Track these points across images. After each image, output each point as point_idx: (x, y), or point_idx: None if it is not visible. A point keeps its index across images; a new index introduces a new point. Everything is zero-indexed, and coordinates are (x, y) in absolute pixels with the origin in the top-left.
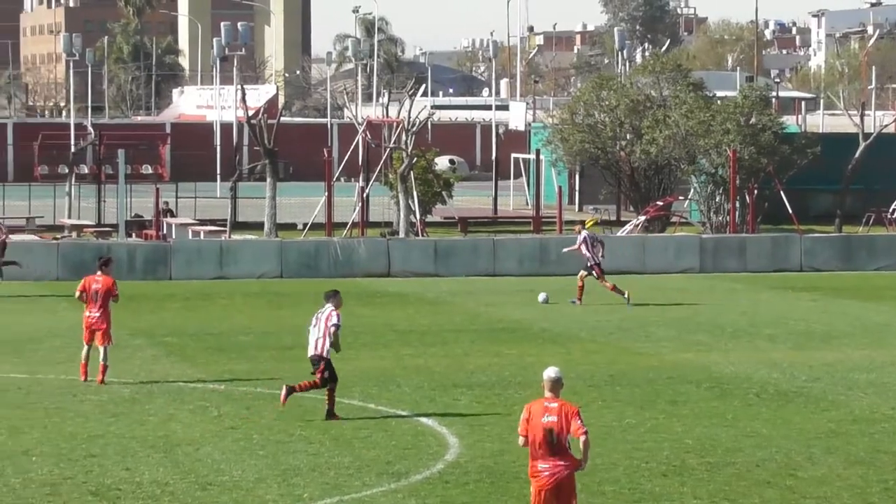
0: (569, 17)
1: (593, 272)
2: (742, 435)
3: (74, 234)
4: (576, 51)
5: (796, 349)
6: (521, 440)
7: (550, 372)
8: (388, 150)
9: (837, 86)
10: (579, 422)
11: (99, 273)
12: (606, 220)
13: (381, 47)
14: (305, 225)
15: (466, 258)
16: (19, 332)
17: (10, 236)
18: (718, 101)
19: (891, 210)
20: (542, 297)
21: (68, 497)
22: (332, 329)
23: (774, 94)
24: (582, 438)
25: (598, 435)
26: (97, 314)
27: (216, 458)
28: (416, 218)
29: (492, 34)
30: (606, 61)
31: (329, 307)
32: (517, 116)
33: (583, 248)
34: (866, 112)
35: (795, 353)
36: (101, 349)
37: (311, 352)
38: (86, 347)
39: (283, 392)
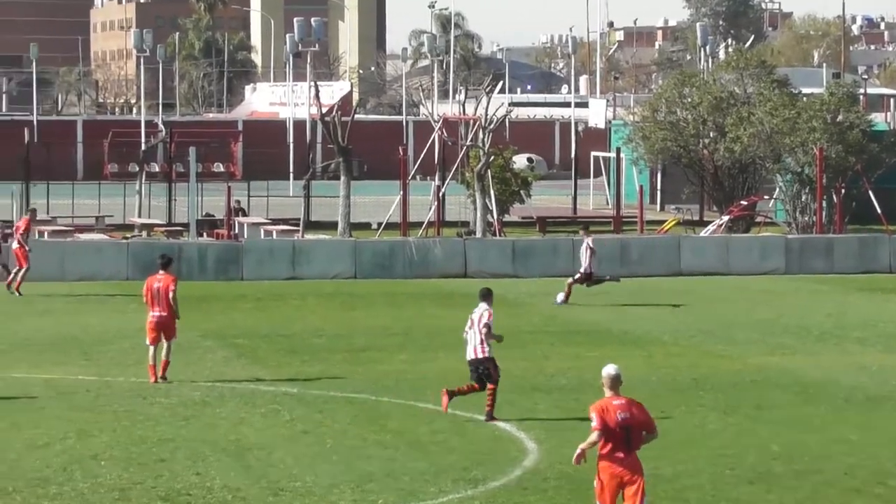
0: (650, 12)
1: (578, 276)
2: (830, 441)
3: (145, 234)
4: (657, 46)
5: (886, 352)
6: (595, 434)
7: (610, 369)
8: (464, 148)
9: None
10: (651, 417)
11: (161, 272)
12: (689, 221)
13: (458, 43)
14: (380, 224)
15: (545, 258)
16: (88, 333)
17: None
18: (804, 99)
19: None
20: (559, 298)
21: (138, 502)
22: (485, 331)
23: (862, 90)
24: (654, 434)
25: (681, 441)
26: (164, 314)
27: (288, 463)
28: (493, 217)
29: (571, 30)
30: (689, 57)
31: (483, 307)
32: (597, 114)
33: (588, 253)
34: None
35: (885, 357)
36: (166, 345)
37: (469, 355)
38: (151, 349)
39: (445, 399)
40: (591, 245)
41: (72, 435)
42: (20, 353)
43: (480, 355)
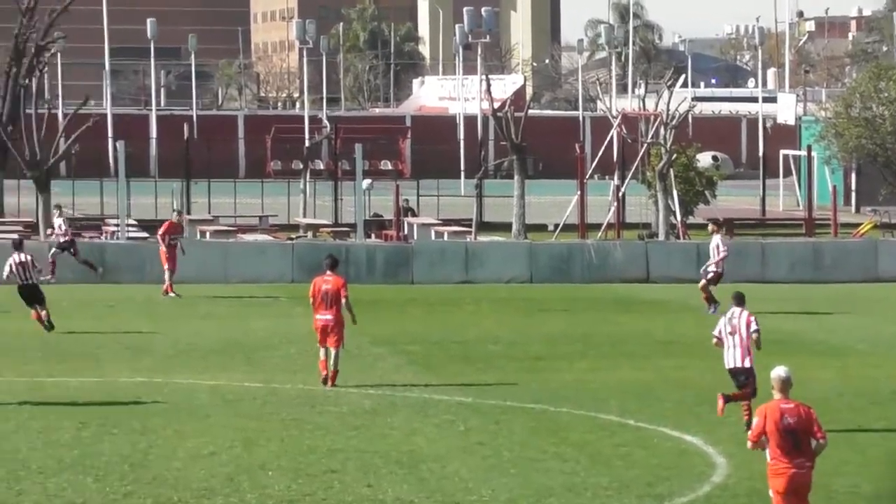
0: (842, 1)
1: (710, 276)
2: None
3: (310, 234)
4: (850, 38)
5: None
6: (749, 444)
7: (780, 371)
8: (645, 145)
9: None
10: (820, 425)
11: (328, 273)
12: (887, 224)
13: (637, 34)
14: (557, 226)
15: (732, 263)
16: (252, 337)
17: (77, 237)
18: None
19: None
20: (365, 183)
21: None
22: (755, 336)
23: None
24: (822, 442)
25: (881, 457)
26: (329, 316)
27: (464, 476)
28: (676, 219)
29: (757, 20)
30: (885, 49)
31: (743, 311)
32: (786, 109)
33: (718, 252)
34: None
35: None
36: (333, 352)
37: (731, 363)
38: (322, 350)
39: (720, 402)
40: (721, 244)
41: (238, 444)
42: (184, 359)
43: (743, 364)
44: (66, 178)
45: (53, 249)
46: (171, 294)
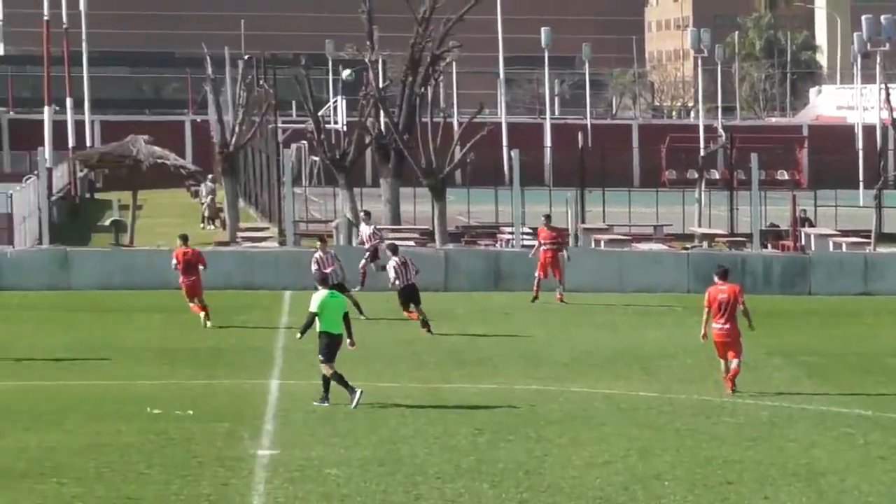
0: None
1: None
2: None
3: (705, 244)
4: None
5: None
6: None
7: None
8: None
9: None
10: None
11: (721, 283)
12: None
13: None
14: None
15: None
16: (648, 346)
17: (383, 243)
18: None
19: None
20: (345, 73)
21: None
22: None
23: None
24: None
25: None
26: (726, 326)
27: (864, 491)
28: None
29: None
30: None
31: None
32: None
33: None
34: None
35: None
36: (734, 362)
37: None
38: (723, 362)
39: None
40: None
41: (633, 453)
42: (579, 367)
43: None
44: (460, 187)
45: (363, 261)
46: (534, 299)
